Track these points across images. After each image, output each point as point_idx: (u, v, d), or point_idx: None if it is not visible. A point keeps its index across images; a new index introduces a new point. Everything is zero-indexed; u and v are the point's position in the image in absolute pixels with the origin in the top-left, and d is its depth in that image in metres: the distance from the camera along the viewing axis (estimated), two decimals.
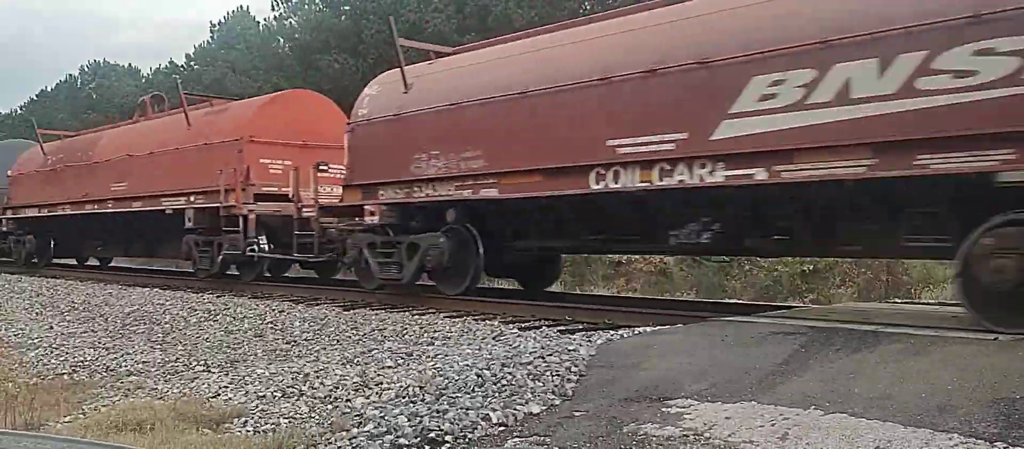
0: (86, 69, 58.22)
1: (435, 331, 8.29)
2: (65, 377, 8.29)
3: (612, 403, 4.74)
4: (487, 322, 8.49)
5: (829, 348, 5.49)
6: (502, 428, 4.52)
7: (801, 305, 11.08)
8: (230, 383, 6.71)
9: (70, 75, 58.75)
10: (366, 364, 6.80)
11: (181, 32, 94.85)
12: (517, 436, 4.34)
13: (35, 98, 57.84)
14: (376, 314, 9.57)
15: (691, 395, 4.75)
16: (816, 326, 6.24)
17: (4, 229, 20.85)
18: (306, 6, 35.73)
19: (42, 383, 8.06)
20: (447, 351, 7.03)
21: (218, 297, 12.24)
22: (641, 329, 7.09)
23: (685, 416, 4.39)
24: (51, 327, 11.03)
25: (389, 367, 6.57)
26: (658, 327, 7.17)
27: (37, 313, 12.37)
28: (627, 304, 9.97)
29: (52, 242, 19.89)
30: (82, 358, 8.95)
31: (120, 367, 8.28)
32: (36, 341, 10.16)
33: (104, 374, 8.09)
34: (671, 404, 4.62)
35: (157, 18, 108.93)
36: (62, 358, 9.10)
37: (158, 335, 9.77)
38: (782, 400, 4.50)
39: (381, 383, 6.00)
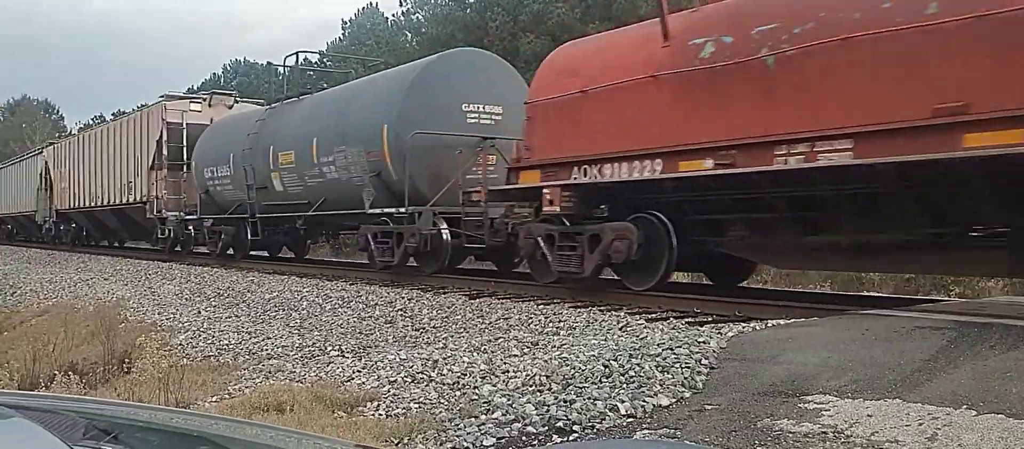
0: (228, 68, 61.40)
1: (560, 320, 8.29)
2: (211, 359, 8.76)
3: (745, 397, 4.59)
4: (613, 313, 8.41)
5: (981, 344, 5.14)
6: (630, 419, 4.46)
7: (948, 299, 10.43)
8: (362, 368, 6.92)
9: (214, 73, 62.10)
10: (493, 352, 6.87)
11: (314, 30, 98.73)
12: (646, 428, 4.26)
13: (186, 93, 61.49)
14: (502, 303, 9.66)
15: (830, 391, 4.54)
16: (965, 321, 5.85)
17: (538, 213, 10.14)
18: (432, 0, 36.43)
19: (191, 364, 8.55)
20: (573, 341, 7.02)
21: (350, 285, 12.66)
22: (774, 322, 6.85)
23: (824, 412, 4.20)
24: (199, 312, 11.70)
25: (515, 356, 6.62)
26: (793, 320, 6.91)
27: (186, 299, 13.15)
28: (757, 296, 9.66)
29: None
30: (226, 342, 9.44)
31: (261, 351, 8.67)
32: (185, 325, 10.80)
33: (247, 357, 8.50)
34: (808, 400, 4.43)
35: (291, 17, 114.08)
36: (209, 341, 9.64)
37: (296, 321, 10.19)
38: (930, 398, 4.23)
39: (508, 371, 6.04)
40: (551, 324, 8.18)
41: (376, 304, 10.56)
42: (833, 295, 10.58)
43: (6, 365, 9.68)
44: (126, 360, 9.46)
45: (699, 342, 5.89)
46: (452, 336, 8.10)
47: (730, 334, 6.23)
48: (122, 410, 1.37)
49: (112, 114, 63.88)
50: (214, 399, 6.67)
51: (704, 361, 5.39)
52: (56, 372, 8.91)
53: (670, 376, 5.14)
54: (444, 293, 10.96)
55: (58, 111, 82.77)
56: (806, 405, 4.35)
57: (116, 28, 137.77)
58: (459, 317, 9.16)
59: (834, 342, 5.65)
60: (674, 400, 4.75)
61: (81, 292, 16.08)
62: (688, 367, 5.26)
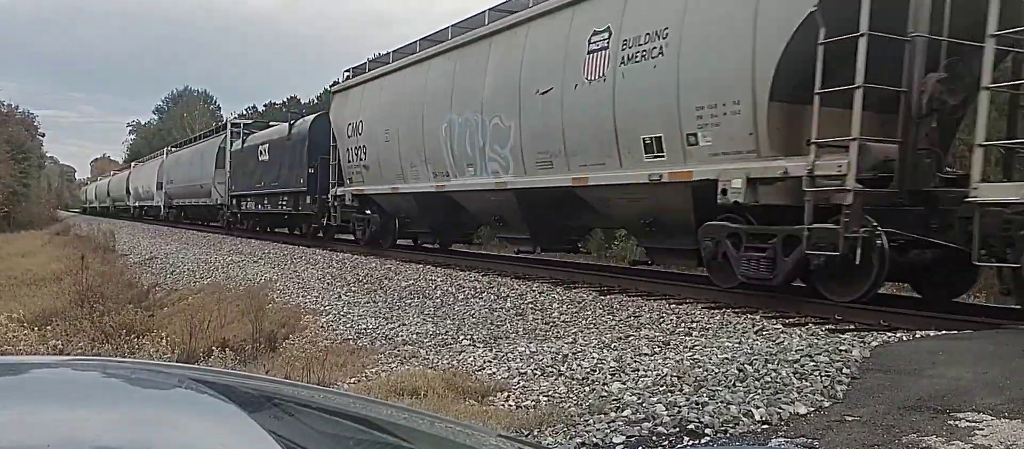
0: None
1: (693, 321, 8.15)
2: (350, 342, 9.14)
3: (889, 410, 4.39)
4: (748, 315, 8.20)
5: None
6: (765, 426, 4.34)
7: None
8: (493, 358, 7.05)
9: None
10: (623, 350, 6.84)
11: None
12: (782, 436, 4.15)
13: (329, 89, 64.12)
14: (632, 301, 9.59)
15: (983, 409, 4.27)
16: None
17: None
18: None
19: (331, 346, 8.95)
20: (705, 342, 6.90)
21: (483, 276, 12.88)
22: (923, 333, 6.49)
23: (976, 431, 3.95)
24: (339, 297, 12.21)
25: (646, 354, 6.57)
26: (943, 332, 6.53)
27: (328, 284, 13.74)
28: (903, 305, 9.17)
29: None
30: (364, 326, 9.81)
31: (397, 336, 8.97)
32: (327, 309, 11.30)
33: (383, 342, 8.81)
34: (959, 417, 4.18)
35: (433, 12, 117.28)
36: (348, 325, 10.05)
37: (430, 309, 10.47)
38: None
39: (638, 370, 6.01)
40: (683, 324, 8.06)
41: (507, 296, 10.71)
42: (989, 307, 9.92)
43: (167, 339, 10.43)
44: (274, 339, 10.00)
45: (840, 350, 5.66)
46: (582, 331, 8.12)
47: (874, 344, 5.96)
48: (284, 388, 1.47)
49: (263, 105, 66.48)
50: (352, 381, 6.96)
51: (845, 370, 5.19)
52: (214, 348, 9.54)
53: (808, 384, 4.97)
54: (575, 288, 10.98)
55: (215, 101, 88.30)
56: (957, 422, 4.11)
57: (270, 25, 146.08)
58: (589, 313, 9.16)
59: (990, 357, 5.31)
60: (812, 409, 4.59)
61: (232, 273, 17.09)
62: (828, 376, 5.07)
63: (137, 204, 50.77)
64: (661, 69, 9.50)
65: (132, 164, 59.85)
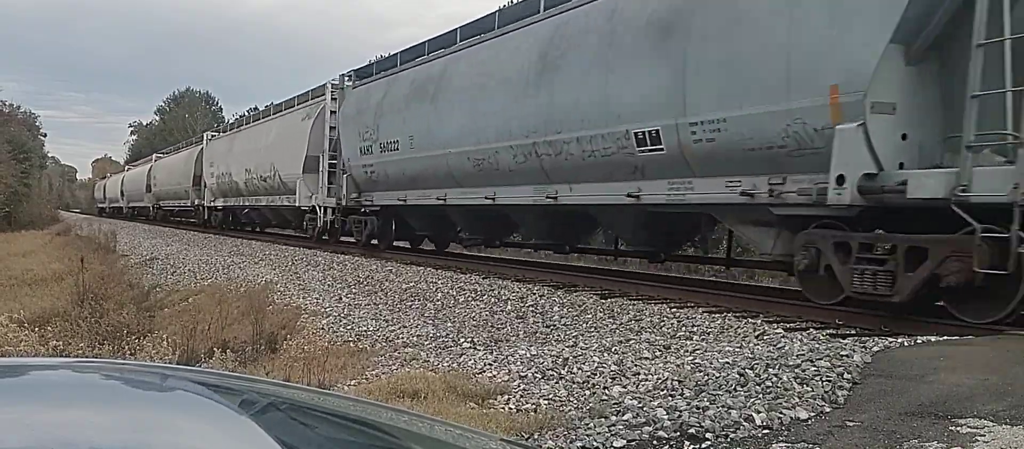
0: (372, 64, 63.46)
1: (693, 325, 8.14)
2: (351, 344, 9.14)
3: (891, 416, 4.37)
4: (749, 320, 8.19)
5: None
6: (766, 431, 4.33)
7: None
8: (494, 361, 7.04)
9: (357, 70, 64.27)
10: (623, 353, 6.83)
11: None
12: (783, 441, 4.13)
13: None
14: (633, 304, 9.58)
15: (986, 415, 4.26)
16: None
17: None
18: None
19: (332, 348, 8.95)
20: (706, 347, 6.89)
21: (483, 279, 12.87)
22: (925, 338, 6.48)
23: (978, 438, 3.94)
24: (340, 298, 12.21)
25: (647, 358, 6.56)
26: (945, 337, 6.52)
27: (329, 286, 13.74)
28: (905, 310, 9.13)
29: None
30: (365, 328, 9.81)
31: (397, 339, 8.96)
32: (328, 310, 11.30)
33: (384, 344, 8.81)
34: (961, 423, 4.17)
35: (433, 14, 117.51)
36: (349, 327, 10.05)
37: (430, 311, 10.46)
38: None
39: (638, 374, 5.99)
40: (684, 328, 8.05)
41: (508, 299, 10.70)
42: None
43: (167, 339, 10.43)
44: (274, 340, 9.99)
45: (842, 355, 5.64)
46: (582, 335, 8.11)
47: (875, 349, 5.94)
48: (284, 390, 1.46)
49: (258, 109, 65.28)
50: (353, 382, 6.96)
51: (846, 375, 5.17)
52: (215, 349, 9.54)
53: (810, 389, 4.95)
54: (575, 291, 10.97)
55: (217, 102, 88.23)
56: (958, 428, 4.09)
57: (271, 26, 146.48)
58: (590, 316, 9.16)
59: (992, 363, 5.29)
60: (813, 414, 4.58)
61: (233, 275, 17.09)
62: (829, 381, 5.06)
63: (214, 204, 31.32)
64: None
65: (207, 136, 35.33)
